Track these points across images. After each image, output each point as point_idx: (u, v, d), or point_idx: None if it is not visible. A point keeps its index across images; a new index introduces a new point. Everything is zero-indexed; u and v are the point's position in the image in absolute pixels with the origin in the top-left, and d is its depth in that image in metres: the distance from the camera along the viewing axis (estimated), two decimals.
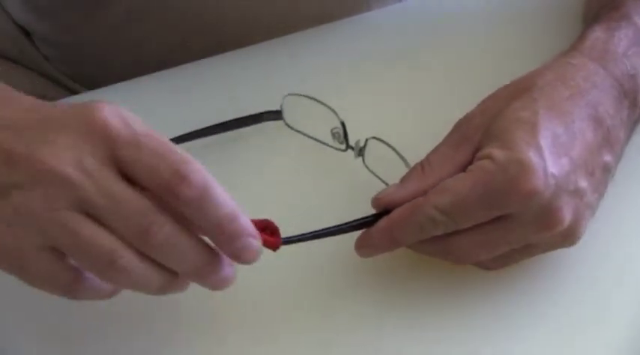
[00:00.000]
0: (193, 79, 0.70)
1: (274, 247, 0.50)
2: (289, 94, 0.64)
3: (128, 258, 0.45)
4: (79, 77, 0.81)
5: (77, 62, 0.80)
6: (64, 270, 0.46)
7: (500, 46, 0.71)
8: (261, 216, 0.50)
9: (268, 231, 0.50)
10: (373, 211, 0.54)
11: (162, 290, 0.48)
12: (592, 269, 0.56)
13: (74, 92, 0.81)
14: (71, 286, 0.47)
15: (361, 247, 0.54)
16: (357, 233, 0.54)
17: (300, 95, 0.63)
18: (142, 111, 0.67)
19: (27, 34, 0.80)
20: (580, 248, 0.54)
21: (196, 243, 0.47)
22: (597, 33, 0.59)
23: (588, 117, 0.53)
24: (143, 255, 0.46)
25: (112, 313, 0.55)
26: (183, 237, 0.46)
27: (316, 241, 0.53)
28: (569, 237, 0.53)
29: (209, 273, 0.47)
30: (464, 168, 0.52)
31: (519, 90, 0.54)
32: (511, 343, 0.53)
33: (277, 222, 0.50)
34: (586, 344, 0.53)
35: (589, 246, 0.54)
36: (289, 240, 0.51)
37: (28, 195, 0.45)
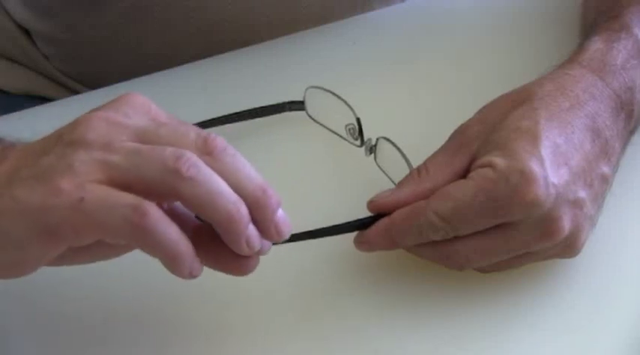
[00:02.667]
0: (194, 79, 0.70)
1: None
2: (310, 87, 0.64)
3: (191, 155, 0.45)
4: (78, 76, 0.81)
5: (77, 61, 0.80)
6: (125, 193, 0.44)
7: (504, 45, 0.71)
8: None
9: None
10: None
11: (236, 213, 0.45)
12: (593, 272, 0.57)
13: (74, 91, 0.81)
14: (138, 202, 0.44)
15: (360, 243, 0.55)
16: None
17: (321, 88, 0.63)
18: None
19: (27, 33, 0.80)
20: (582, 252, 0.54)
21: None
22: (597, 44, 0.59)
23: (587, 128, 0.54)
24: None
25: (111, 316, 0.55)
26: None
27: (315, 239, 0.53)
28: (569, 247, 0.53)
29: (274, 198, 0.47)
30: (460, 175, 0.53)
31: (519, 100, 0.54)
32: (512, 344, 0.54)
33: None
34: (588, 346, 0.54)
35: (591, 250, 0.55)
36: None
37: (83, 142, 0.45)
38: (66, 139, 0.45)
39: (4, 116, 0.68)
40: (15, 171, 0.46)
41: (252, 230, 0.46)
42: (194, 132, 0.46)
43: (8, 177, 0.46)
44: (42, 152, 0.46)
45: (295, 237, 0.52)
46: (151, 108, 0.48)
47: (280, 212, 0.47)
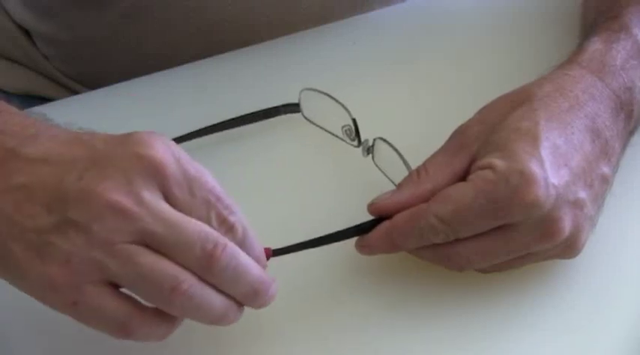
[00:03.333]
0: (194, 79, 0.70)
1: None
2: (305, 89, 0.64)
3: (191, 282, 0.46)
4: (78, 76, 0.81)
5: (77, 61, 0.80)
6: (120, 304, 0.46)
7: (504, 45, 0.71)
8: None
9: None
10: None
11: (222, 317, 0.48)
12: (593, 272, 0.57)
13: (74, 91, 0.81)
14: (127, 321, 0.46)
15: (361, 246, 0.55)
16: None
17: (316, 90, 0.63)
18: (143, 111, 0.68)
19: (27, 33, 0.80)
20: (582, 252, 0.54)
21: (252, 261, 0.48)
22: (596, 45, 0.59)
23: (587, 128, 0.54)
24: (204, 281, 0.46)
25: None
26: (242, 257, 0.47)
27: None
28: (569, 247, 0.53)
29: (265, 290, 0.48)
30: (460, 176, 0.53)
31: (519, 101, 0.55)
32: (512, 344, 0.54)
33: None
34: (588, 346, 0.54)
35: (591, 250, 0.55)
36: (281, 251, 0.52)
37: (86, 230, 0.45)
38: (71, 216, 0.45)
39: None
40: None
41: (234, 317, 0.49)
42: (200, 247, 0.46)
43: (9, 217, 0.46)
44: (46, 204, 0.45)
45: (299, 246, 0.53)
46: (166, 175, 0.46)
47: (271, 291, 0.49)
